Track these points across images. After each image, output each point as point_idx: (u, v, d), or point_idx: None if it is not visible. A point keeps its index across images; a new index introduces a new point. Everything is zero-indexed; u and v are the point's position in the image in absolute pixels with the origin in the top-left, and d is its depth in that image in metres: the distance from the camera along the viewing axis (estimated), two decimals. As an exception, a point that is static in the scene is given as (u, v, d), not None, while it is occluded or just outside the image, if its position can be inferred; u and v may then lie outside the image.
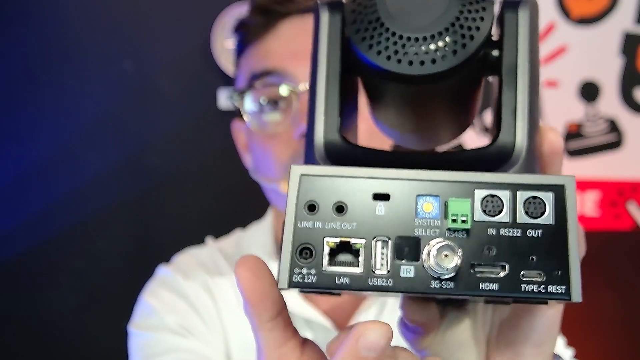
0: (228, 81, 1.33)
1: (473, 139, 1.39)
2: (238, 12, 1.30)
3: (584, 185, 1.46)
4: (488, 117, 1.37)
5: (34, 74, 1.31)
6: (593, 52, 1.44)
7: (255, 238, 0.77)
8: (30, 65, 1.31)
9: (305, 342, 0.30)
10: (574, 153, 1.46)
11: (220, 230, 0.90)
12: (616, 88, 1.45)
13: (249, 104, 0.68)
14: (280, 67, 0.65)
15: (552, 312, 0.33)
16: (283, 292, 0.29)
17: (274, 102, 0.66)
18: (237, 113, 0.72)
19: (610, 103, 1.45)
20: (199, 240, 0.86)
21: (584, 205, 1.45)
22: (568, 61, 1.43)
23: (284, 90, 0.65)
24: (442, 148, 0.39)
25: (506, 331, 0.34)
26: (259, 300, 0.29)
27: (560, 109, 1.45)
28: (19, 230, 1.31)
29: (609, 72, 1.44)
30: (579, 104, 1.45)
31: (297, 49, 0.64)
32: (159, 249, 1.04)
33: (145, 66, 1.34)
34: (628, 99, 1.45)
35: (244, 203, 1.10)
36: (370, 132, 0.46)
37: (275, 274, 0.28)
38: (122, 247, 1.35)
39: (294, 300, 0.69)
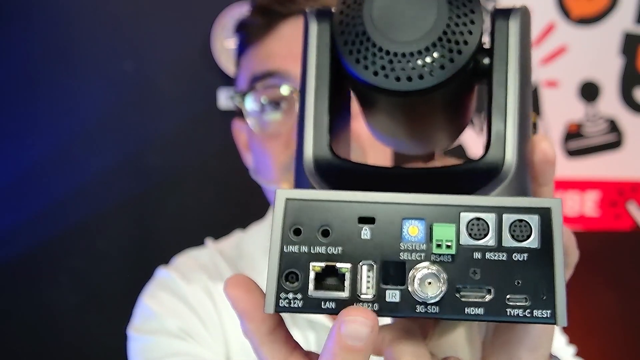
0: (228, 81, 1.33)
1: (476, 140, 1.39)
2: (238, 12, 1.30)
3: (584, 185, 1.46)
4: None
5: (34, 74, 1.31)
6: (593, 52, 1.44)
7: (255, 239, 0.77)
8: (30, 65, 1.31)
9: (308, 353, 0.30)
10: (574, 153, 1.46)
11: (220, 230, 0.90)
12: (616, 88, 1.45)
13: (250, 105, 0.68)
14: (282, 68, 0.65)
15: None
16: None
17: (276, 102, 0.66)
18: (237, 113, 0.72)
19: (610, 103, 1.45)
20: (198, 240, 0.86)
21: (584, 205, 1.46)
22: (568, 61, 1.43)
23: (285, 91, 0.65)
24: (443, 150, 0.39)
25: (501, 334, 0.34)
26: (254, 311, 0.28)
27: (560, 109, 1.45)
28: (19, 230, 1.31)
29: (609, 72, 1.44)
30: (579, 104, 1.45)
31: (298, 49, 0.64)
32: (159, 249, 1.04)
33: (145, 66, 1.34)
34: (628, 99, 1.45)
35: (244, 203, 1.10)
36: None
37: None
38: (122, 247, 1.35)
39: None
